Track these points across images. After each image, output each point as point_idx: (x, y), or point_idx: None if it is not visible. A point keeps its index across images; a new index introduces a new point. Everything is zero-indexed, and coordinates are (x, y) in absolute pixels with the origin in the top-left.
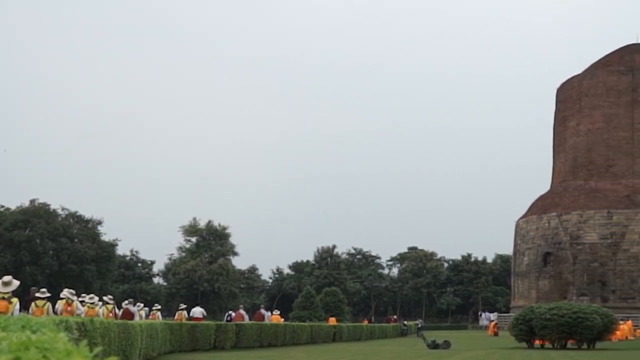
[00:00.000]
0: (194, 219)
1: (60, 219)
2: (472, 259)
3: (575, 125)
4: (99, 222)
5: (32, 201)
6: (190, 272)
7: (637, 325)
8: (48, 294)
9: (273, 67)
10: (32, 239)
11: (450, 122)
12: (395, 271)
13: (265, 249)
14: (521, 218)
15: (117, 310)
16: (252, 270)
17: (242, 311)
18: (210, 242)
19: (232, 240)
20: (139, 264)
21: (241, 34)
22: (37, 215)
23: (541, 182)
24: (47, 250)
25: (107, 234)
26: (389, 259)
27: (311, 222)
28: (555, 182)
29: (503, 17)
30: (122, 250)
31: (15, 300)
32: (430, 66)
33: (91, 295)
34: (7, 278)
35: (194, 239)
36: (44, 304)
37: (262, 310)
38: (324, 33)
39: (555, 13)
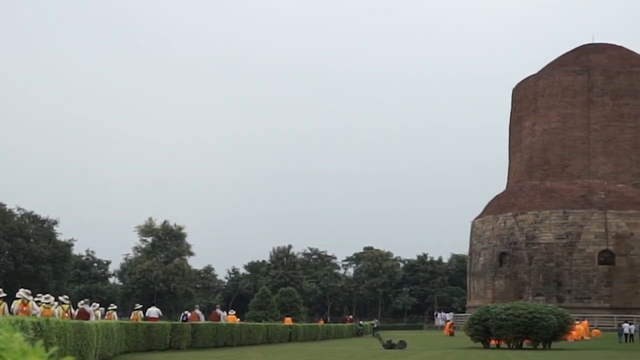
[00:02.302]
0: (150, 219)
1: (16, 218)
2: (428, 259)
3: (531, 125)
4: (55, 222)
5: None
6: (146, 272)
7: (593, 325)
8: (4, 294)
9: (226, 67)
10: None
11: (407, 121)
12: (351, 271)
13: (221, 249)
14: (477, 218)
15: (72, 311)
16: (208, 270)
17: (197, 311)
18: (166, 242)
19: (188, 240)
20: (95, 264)
21: (196, 34)
22: None
23: (497, 182)
24: (2, 250)
25: (62, 234)
26: (344, 259)
27: (267, 222)
28: (511, 182)
29: (460, 18)
30: (77, 250)
31: None
32: (386, 67)
33: (47, 295)
34: None
35: (149, 239)
36: (0, 304)
37: (218, 310)
38: (280, 33)
39: (513, 13)
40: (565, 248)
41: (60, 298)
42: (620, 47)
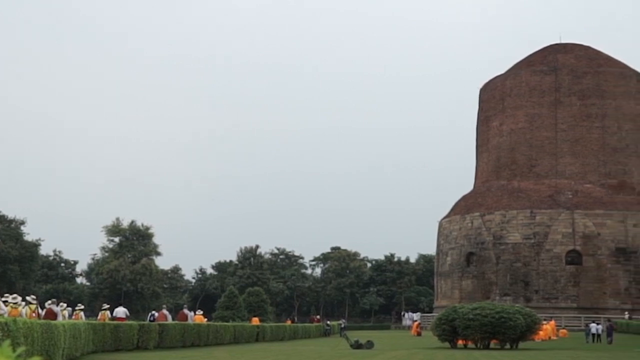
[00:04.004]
0: (117, 218)
1: None
2: (395, 259)
3: (499, 125)
4: (22, 222)
5: None
6: (113, 272)
7: (560, 325)
8: None
9: (193, 66)
10: None
11: (375, 122)
12: (318, 271)
13: (188, 249)
14: (444, 218)
15: (40, 310)
16: (175, 270)
17: (165, 311)
18: (133, 242)
19: (155, 240)
20: (62, 264)
21: (160, 33)
22: None
23: (464, 182)
24: None
25: (30, 234)
26: (312, 259)
27: (234, 222)
28: (479, 182)
29: (426, 17)
30: (45, 250)
31: None
32: (352, 66)
33: (14, 295)
34: None
35: (117, 239)
36: None
37: (185, 310)
38: (239, 33)
39: (479, 13)
40: (532, 248)
41: (28, 298)
42: (588, 47)
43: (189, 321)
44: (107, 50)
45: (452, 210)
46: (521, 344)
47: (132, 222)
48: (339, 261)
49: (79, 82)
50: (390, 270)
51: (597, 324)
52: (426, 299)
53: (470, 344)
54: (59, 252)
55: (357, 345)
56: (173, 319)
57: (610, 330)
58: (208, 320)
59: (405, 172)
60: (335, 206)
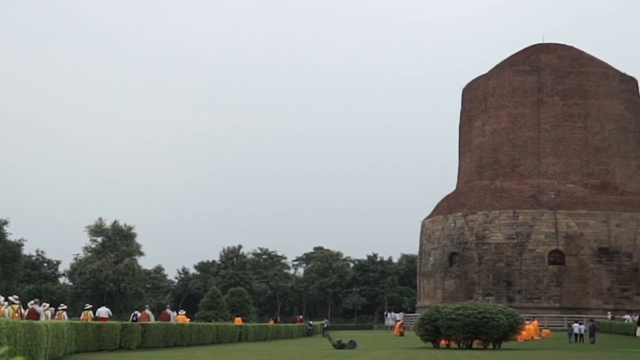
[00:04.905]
0: (100, 218)
1: None
2: (378, 259)
3: (481, 125)
4: (5, 222)
5: None
6: (96, 272)
7: (543, 325)
8: None
9: (175, 67)
10: None
11: (356, 122)
12: (301, 271)
13: (171, 249)
14: (427, 218)
15: (22, 310)
16: (158, 270)
17: (147, 311)
18: (116, 242)
19: (138, 240)
20: (45, 264)
21: (144, 34)
22: None
23: (447, 182)
24: None
25: (12, 234)
26: (294, 259)
27: (217, 222)
28: (461, 182)
29: (409, 17)
30: (27, 250)
31: None
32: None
33: None
34: None
35: (99, 239)
36: None
37: (168, 310)
38: (226, 33)
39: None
40: (515, 248)
41: (10, 298)
42: (570, 47)
43: (172, 321)
44: (91, 50)
45: (434, 210)
46: (504, 344)
47: (115, 222)
48: (322, 261)
49: (63, 82)
50: (373, 270)
51: (580, 324)
52: (409, 299)
53: (453, 344)
54: (42, 252)
55: (339, 345)
56: (156, 319)
57: (593, 330)
58: (191, 320)
59: (388, 172)
60: (317, 206)
